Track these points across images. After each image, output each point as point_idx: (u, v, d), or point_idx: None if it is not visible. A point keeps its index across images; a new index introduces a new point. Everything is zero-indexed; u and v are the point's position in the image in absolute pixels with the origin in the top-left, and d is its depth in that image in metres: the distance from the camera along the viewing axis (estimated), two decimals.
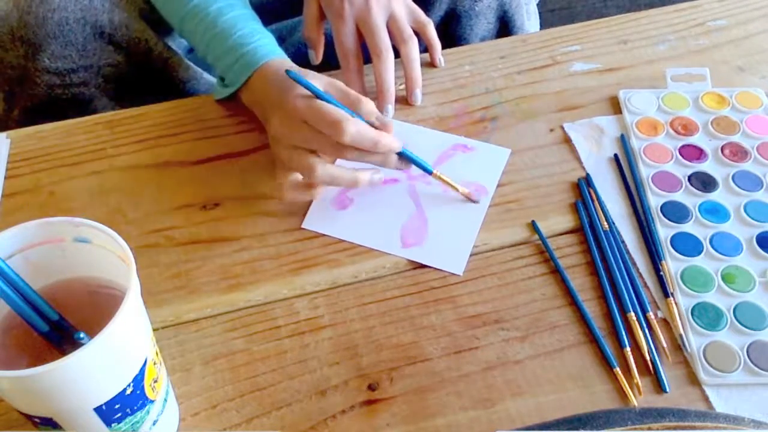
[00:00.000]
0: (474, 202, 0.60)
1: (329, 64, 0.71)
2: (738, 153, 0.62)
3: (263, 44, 0.64)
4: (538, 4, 0.94)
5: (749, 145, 0.63)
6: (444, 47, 0.74)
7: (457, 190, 0.60)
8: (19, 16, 0.70)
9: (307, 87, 0.56)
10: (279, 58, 0.64)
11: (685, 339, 0.50)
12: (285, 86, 0.58)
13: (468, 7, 0.76)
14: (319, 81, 0.57)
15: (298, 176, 0.58)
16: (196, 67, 0.80)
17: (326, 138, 0.55)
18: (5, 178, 0.63)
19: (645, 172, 0.61)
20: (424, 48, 0.82)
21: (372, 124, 0.56)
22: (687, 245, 0.56)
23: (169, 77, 0.78)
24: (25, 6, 0.69)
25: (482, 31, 0.79)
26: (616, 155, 0.63)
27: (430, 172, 0.59)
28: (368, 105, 0.57)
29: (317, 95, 0.56)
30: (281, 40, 0.87)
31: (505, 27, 0.81)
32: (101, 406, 0.38)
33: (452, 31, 0.79)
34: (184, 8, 0.67)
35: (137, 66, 0.76)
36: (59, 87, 0.72)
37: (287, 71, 0.56)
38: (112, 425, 0.40)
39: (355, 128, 0.54)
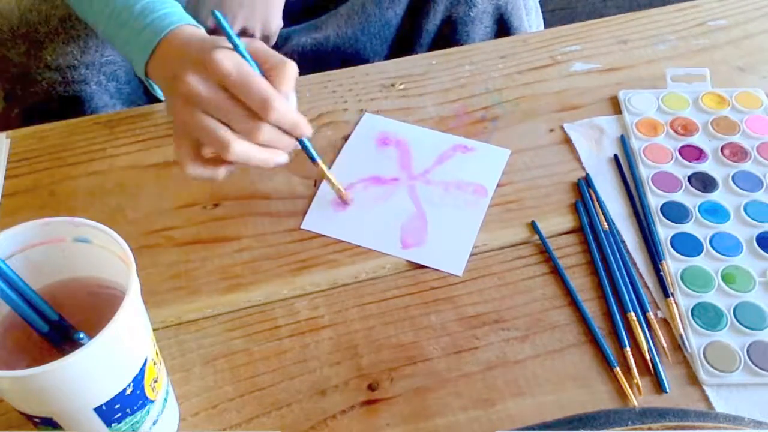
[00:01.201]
0: (345, 203, 0.58)
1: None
2: (738, 153, 0.62)
3: (173, 12, 0.57)
4: (540, 3, 0.94)
5: (749, 146, 0.63)
6: None
7: (340, 191, 0.58)
8: (21, 14, 0.70)
9: (232, 41, 0.50)
10: (193, 25, 0.57)
11: (685, 339, 0.50)
12: (206, 45, 0.51)
13: (463, 13, 0.76)
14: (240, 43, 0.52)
15: (202, 148, 0.52)
16: None
17: (246, 112, 0.49)
18: (5, 178, 0.63)
19: (645, 172, 0.61)
20: (429, 47, 0.82)
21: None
22: (687, 245, 0.56)
23: None
24: (27, 4, 0.69)
25: (480, 36, 0.79)
26: (616, 155, 0.63)
27: (314, 161, 0.56)
28: (291, 72, 0.51)
29: (241, 55, 0.50)
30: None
31: (503, 29, 0.81)
32: (101, 406, 0.38)
33: (450, 38, 0.79)
34: None
35: None
36: (60, 84, 0.73)
37: (212, 11, 0.49)
38: (112, 425, 0.40)
39: (282, 106, 0.49)
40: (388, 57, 0.83)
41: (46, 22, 0.70)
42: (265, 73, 0.51)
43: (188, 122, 0.51)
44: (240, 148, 0.50)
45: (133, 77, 0.77)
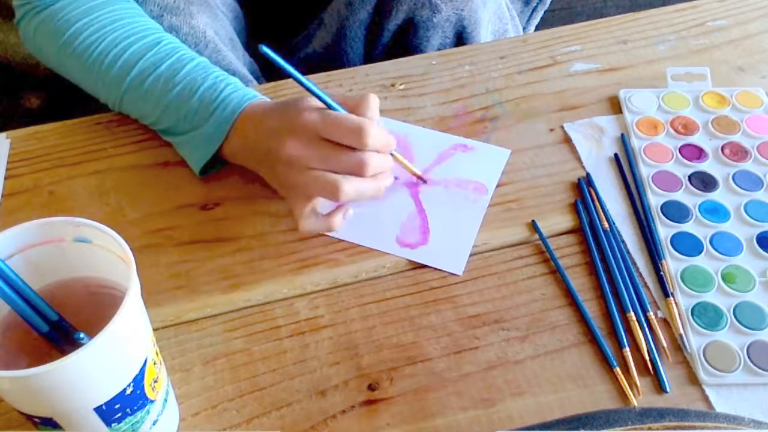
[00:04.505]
0: (423, 181, 0.61)
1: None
2: (738, 153, 0.62)
3: (235, 88, 0.59)
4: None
5: (749, 145, 0.63)
6: (397, 57, 0.73)
7: (412, 171, 0.61)
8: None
9: (318, 96, 0.53)
10: (258, 98, 0.60)
11: (685, 339, 0.50)
12: (288, 111, 0.54)
13: (426, 17, 0.75)
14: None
15: (316, 204, 0.55)
16: None
17: (346, 153, 0.52)
18: (5, 178, 0.63)
19: (645, 171, 0.61)
20: (387, 47, 0.81)
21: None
22: (687, 245, 0.56)
23: None
24: None
25: (438, 44, 0.78)
26: (616, 155, 0.63)
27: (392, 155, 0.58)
28: (375, 103, 0.54)
29: (328, 105, 0.53)
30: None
31: (461, 42, 0.79)
32: (101, 406, 0.38)
33: (408, 42, 0.78)
34: (122, 84, 0.62)
35: None
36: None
37: (260, 46, 0.49)
38: (112, 425, 0.40)
39: (374, 129, 0.51)
40: (363, 57, 0.82)
41: None
42: (351, 111, 0.53)
43: (297, 182, 0.54)
44: (350, 186, 0.52)
45: None
